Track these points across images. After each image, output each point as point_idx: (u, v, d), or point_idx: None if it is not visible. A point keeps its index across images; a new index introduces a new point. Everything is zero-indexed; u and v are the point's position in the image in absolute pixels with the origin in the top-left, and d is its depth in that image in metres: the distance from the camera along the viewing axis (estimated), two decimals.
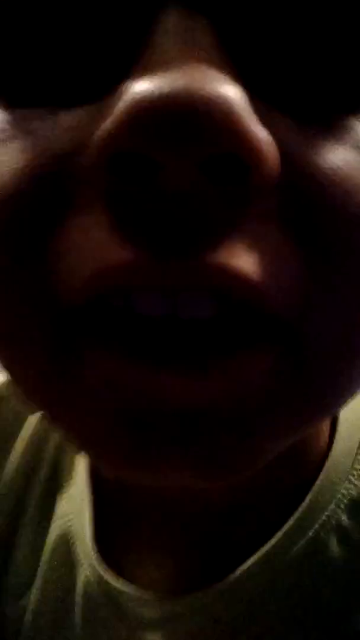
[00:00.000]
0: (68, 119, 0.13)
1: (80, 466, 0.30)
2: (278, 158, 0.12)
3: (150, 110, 0.11)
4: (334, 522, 0.24)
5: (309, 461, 0.25)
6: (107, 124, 0.12)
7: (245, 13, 0.13)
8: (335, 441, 0.26)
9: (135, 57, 0.13)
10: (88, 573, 0.27)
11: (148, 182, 0.12)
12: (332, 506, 0.24)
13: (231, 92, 0.11)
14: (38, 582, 0.29)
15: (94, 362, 0.14)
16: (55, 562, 0.28)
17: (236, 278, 0.12)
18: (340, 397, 0.17)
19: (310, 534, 0.24)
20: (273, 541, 0.24)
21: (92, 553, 0.27)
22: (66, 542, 0.28)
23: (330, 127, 0.14)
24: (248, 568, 0.24)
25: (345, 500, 0.24)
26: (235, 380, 0.13)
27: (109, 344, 0.14)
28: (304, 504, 0.24)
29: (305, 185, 0.13)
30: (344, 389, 0.16)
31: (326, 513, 0.24)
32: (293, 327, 0.14)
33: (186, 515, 0.25)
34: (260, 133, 0.11)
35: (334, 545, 0.24)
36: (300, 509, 0.24)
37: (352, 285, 0.14)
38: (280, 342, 0.14)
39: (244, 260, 0.12)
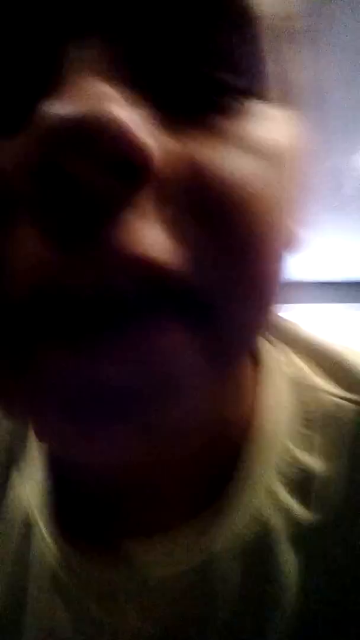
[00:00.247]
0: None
1: (35, 450, 0.31)
2: (164, 159, 0.16)
3: (56, 132, 0.14)
4: (267, 491, 0.26)
5: (238, 433, 0.28)
6: (27, 145, 0.15)
7: (145, 40, 0.16)
8: (261, 411, 0.28)
9: (50, 88, 0.15)
10: (49, 555, 0.28)
11: (66, 191, 0.14)
12: (264, 477, 0.26)
13: (122, 114, 0.14)
14: None
15: (42, 354, 0.16)
16: (15, 549, 0.30)
17: (134, 259, 0.15)
18: (245, 339, 0.20)
19: (250, 509, 0.26)
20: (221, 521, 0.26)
21: (52, 531, 0.29)
22: (26, 527, 0.30)
23: (215, 130, 0.17)
24: (204, 547, 0.26)
25: (278, 470, 0.27)
26: (148, 351, 0.16)
27: (53, 337, 0.16)
28: (236, 481, 0.26)
29: (200, 177, 0.16)
30: (247, 332, 0.20)
31: (259, 484, 0.27)
32: (197, 292, 0.16)
33: (137, 497, 0.27)
34: (137, 144, 0.14)
35: (272, 516, 0.26)
36: (234, 484, 0.26)
37: (243, 252, 0.17)
38: (186, 306, 0.16)
39: (145, 244, 0.15)
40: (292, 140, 0.20)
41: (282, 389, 0.29)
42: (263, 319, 0.20)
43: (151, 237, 0.15)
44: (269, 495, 0.27)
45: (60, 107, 0.14)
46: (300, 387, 0.30)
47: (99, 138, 0.14)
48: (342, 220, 3.05)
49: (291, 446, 0.28)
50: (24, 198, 0.15)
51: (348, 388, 0.30)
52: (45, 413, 0.17)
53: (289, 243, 0.21)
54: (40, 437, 0.20)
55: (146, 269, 0.15)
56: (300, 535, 0.26)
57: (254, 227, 0.17)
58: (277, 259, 0.19)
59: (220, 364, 0.18)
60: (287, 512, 0.26)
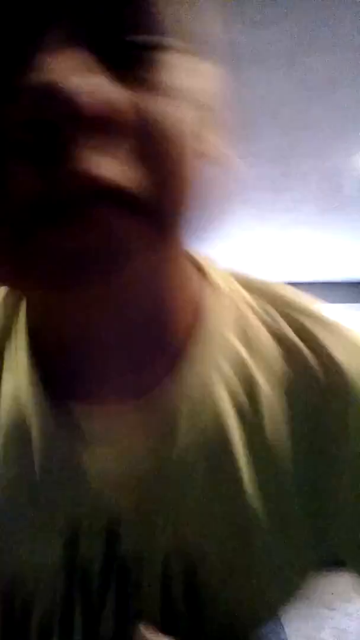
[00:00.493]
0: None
1: (22, 343, 0.37)
2: (116, 105, 0.22)
3: (37, 97, 0.20)
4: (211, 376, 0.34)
5: (184, 332, 0.34)
6: (20, 107, 0.21)
7: (91, 21, 0.23)
8: (204, 313, 0.35)
9: (31, 64, 0.22)
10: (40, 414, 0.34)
11: (46, 134, 0.21)
12: (210, 364, 0.34)
13: (81, 82, 0.21)
14: None
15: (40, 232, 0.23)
16: (9, 429, 0.35)
17: (94, 175, 0.22)
18: (175, 214, 0.26)
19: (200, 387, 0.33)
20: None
21: (42, 395, 0.34)
22: (18, 409, 0.35)
23: (147, 80, 0.23)
24: (165, 389, 0.33)
25: (219, 362, 0.34)
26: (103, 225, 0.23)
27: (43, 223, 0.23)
28: (185, 365, 0.33)
29: (143, 119, 0.23)
30: (176, 211, 0.26)
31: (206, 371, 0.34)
32: (140, 195, 0.23)
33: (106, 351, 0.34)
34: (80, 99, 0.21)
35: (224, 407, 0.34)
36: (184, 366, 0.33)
37: (171, 169, 0.24)
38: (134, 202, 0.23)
39: (101, 165, 0.22)
40: (206, 84, 0.27)
41: (222, 300, 0.36)
42: (185, 204, 0.27)
43: (106, 161, 0.22)
44: (212, 383, 0.33)
45: (37, 79, 0.20)
46: (235, 303, 0.37)
47: (65, 97, 0.20)
48: (342, 221, 3.09)
49: (231, 345, 0.34)
50: (20, 143, 0.22)
51: (272, 317, 0.37)
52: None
53: (202, 158, 0.28)
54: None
55: (102, 181, 0.22)
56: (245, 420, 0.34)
57: (177, 149, 0.24)
58: (193, 170, 0.26)
59: (157, 228, 0.25)
60: (238, 405, 0.34)
